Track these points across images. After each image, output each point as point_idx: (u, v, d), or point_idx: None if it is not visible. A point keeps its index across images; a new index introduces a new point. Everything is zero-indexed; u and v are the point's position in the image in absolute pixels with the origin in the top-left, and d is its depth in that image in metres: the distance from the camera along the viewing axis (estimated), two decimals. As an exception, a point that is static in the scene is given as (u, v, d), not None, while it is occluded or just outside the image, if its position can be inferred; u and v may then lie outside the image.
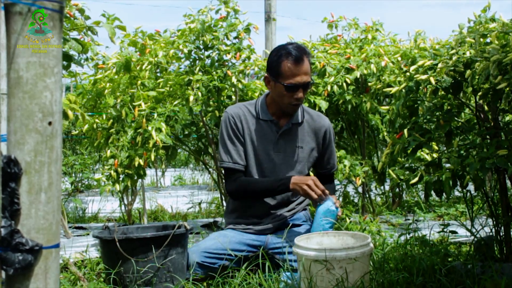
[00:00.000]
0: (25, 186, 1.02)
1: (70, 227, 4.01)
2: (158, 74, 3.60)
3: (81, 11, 2.90)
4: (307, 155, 2.64)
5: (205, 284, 2.43)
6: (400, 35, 4.19)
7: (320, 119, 2.69)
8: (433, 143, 2.55)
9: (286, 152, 2.61)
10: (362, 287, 1.95)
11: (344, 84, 3.45)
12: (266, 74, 2.56)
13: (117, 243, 2.34)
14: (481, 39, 2.22)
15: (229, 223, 2.70)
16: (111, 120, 3.40)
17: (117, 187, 3.16)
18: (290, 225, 2.59)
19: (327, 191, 2.38)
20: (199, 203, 4.88)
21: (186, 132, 3.76)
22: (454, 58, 2.20)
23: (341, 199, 4.13)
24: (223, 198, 3.90)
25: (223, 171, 2.65)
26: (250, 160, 2.59)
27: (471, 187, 4.02)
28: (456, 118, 2.41)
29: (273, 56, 2.50)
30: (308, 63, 2.48)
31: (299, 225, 2.65)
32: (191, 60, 3.50)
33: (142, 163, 3.12)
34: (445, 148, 2.50)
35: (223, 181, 3.95)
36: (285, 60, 2.44)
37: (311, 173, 2.81)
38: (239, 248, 2.52)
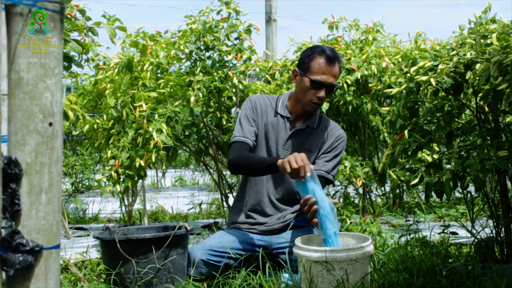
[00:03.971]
0: (25, 187, 1.02)
1: (70, 228, 4.01)
2: (159, 75, 3.60)
3: (82, 12, 2.91)
4: (314, 159, 2.63)
5: (205, 285, 2.43)
6: (400, 35, 4.19)
7: (335, 128, 2.69)
8: (434, 144, 2.55)
9: (294, 151, 2.61)
10: (363, 288, 1.94)
11: (345, 85, 3.45)
12: (295, 68, 2.57)
13: (118, 244, 2.34)
14: (482, 40, 2.22)
15: (232, 222, 2.71)
16: (112, 121, 3.40)
17: (118, 187, 3.16)
18: (294, 225, 2.59)
19: (308, 170, 2.14)
20: (200, 204, 4.88)
21: (187, 133, 3.76)
22: (455, 59, 2.20)
23: (341, 200, 4.13)
24: (224, 199, 3.90)
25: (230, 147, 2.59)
26: (261, 149, 2.60)
27: (471, 188, 4.01)
28: (456, 119, 2.41)
29: (307, 51, 2.54)
30: (338, 68, 2.50)
31: (303, 227, 2.65)
32: (192, 60, 3.51)
33: (142, 164, 3.12)
34: (445, 149, 2.50)
35: (223, 181, 3.95)
36: (318, 56, 2.48)
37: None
38: (244, 247, 2.52)
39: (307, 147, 2.62)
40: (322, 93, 2.49)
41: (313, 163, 2.63)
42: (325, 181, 2.58)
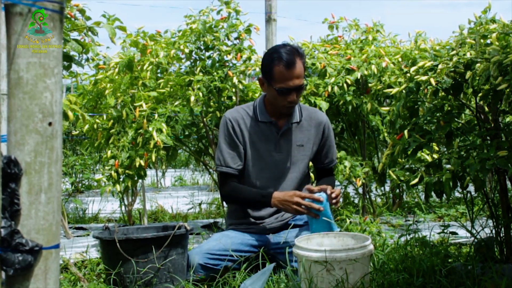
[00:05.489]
0: (25, 187, 1.02)
1: (70, 228, 4.01)
2: (159, 75, 3.60)
3: (82, 11, 2.91)
4: (309, 152, 2.66)
5: (205, 286, 2.43)
6: (400, 35, 4.18)
7: (317, 114, 2.71)
8: (434, 144, 2.55)
9: (288, 151, 2.62)
10: (362, 288, 1.94)
11: (345, 85, 3.45)
12: (260, 77, 2.58)
13: (118, 244, 2.34)
14: (482, 40, 2.22)
15: (230, 224, 2.71)
16: (112, 121, 3.40)
17: (118, 187, 3.16)
18: (292, 225, 2.60)
19: (315, 204, 2.37)
20: (200, 204, 4.88)
21: (187, 133, 3.76)
22: (455, 59, 2.20)
23: (341, 200, 4.13)
24: (224, 198, 3.89)
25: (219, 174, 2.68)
26: (251, 163, 2.60)
27: (471, 188, 4.01)
28: (456, 119, 2.41)
29: (265, 59, 2.51)
30: (300, 66, 2.46)
31: (301, 226, 2.66)
32: (192, 60, 3.51)
33: (142, 163, 3.12)
34: (445, 149, 2.50)
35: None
36: (276, 64, 2.44)
37: (311, 175, 2.81)
38: (242, 248, 2.52)
39: (298, 143, 2.64)
40: (292, 97, 2.49)
41: (314, 154, 2.69)
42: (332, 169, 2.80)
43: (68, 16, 2.86)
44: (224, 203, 3.88)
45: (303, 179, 2.67)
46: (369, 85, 3.57)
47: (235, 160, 2.58)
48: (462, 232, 3.06)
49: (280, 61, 2.43)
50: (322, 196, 2.36)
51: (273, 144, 2.61)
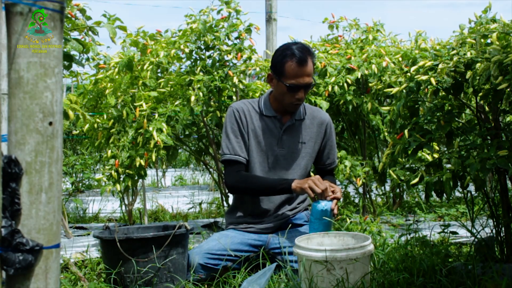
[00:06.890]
0: (25, 186, 1.02)
1: (70, 227, 4.01)
2: (159, 74, 3.60)
3: (82, 11, 2.91)
4: (311, 150, 2.67)
5: (205, 285, 2.43)
6: (400, 35, 4.18)
7: (320, 114, 2.74)
8: (434, 143, 2.55)
9: (290, 147, 2.63)
10: (363, 288, 1.94)
11: (345, 84, 3.45)
12: (269, 72, 2.58)
13: (118, 243, 2.35)
14: (482, 40, 2.21)
15: (230, 223, 2.71)
16: (112, 120, 3.40)
17: (118, 187, 3.16)
18: (291, 225, 2.60)
19: (329, 192, 2.36)
20: (200, 203, 4.88)
21: (187, 133, 3.76)
22: (455, 58, 2.20)
23: (341, 199, 4.12)
24: (224, 198, 3.90)
25: (223, 165, 2.65)
26: (253, 155, 2.60)
27: (471, 187, 4.02)
28: (456, 119, 2.41)
29: (277, 56, 2.53)
30: (311, 64, 2.50)
31: (300, 225, 2.66)
32: (192, 60, 3.51)
33: (143, 163, 3.12)
34: (445, 149, 2.50)
35: (224, 180, 3.95)
36: (289, 61, 2.47)
37: (311, 174, 2.81)
38: (241, 248, 2.52)
39: (301, 140, 2.66)
40: (300, 94, 2.52)
41: (312, 151, 2.69)
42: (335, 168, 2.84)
43: (69, 15, 2.86)
44: (226, 201, 3.88)
45: (304, 177, 2.67)
46: (370, 84, 3.57)
47: (243, 149, 2.59)
48: (462, 232, 3.06)
49: (293, 58, 2.46)
50: (329, 203, 2.36)
51: (275, 139, 2.62)
